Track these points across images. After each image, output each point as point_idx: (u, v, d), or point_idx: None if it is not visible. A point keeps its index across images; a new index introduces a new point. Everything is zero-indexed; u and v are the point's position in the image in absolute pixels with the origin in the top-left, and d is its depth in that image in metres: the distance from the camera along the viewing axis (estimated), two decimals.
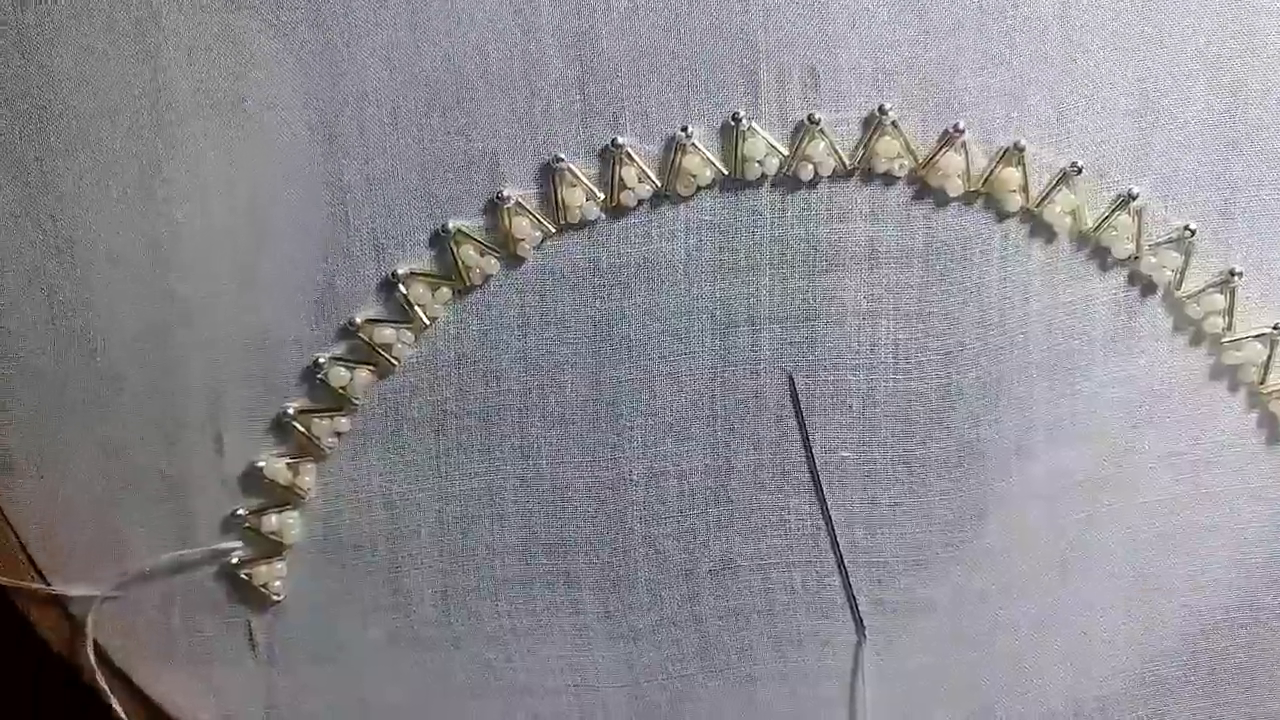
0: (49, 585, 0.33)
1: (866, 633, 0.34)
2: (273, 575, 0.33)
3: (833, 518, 0.33)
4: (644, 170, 0.31)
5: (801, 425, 0.32)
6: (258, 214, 0.31)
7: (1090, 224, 0.31)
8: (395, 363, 0.32)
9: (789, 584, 0.34)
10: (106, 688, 0.33)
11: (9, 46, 0.29)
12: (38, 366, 0.31)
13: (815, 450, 0.33)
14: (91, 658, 0.33)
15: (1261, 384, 0.33)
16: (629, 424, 0.32)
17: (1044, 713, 0.35)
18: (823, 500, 0.33)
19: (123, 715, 0.34)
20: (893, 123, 0.30)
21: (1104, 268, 0.32)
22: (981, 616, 0.34)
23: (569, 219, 0.31)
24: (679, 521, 0.33)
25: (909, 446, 0.33)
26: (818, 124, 0.30)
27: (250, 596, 0.33)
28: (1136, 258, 0.32)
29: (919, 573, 0.34)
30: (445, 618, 0.34)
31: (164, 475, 0.32)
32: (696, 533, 0.33)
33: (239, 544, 0.33)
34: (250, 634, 0.34)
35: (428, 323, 0.32)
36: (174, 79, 0.30)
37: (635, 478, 0.33)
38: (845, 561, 0.33)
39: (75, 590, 0.33)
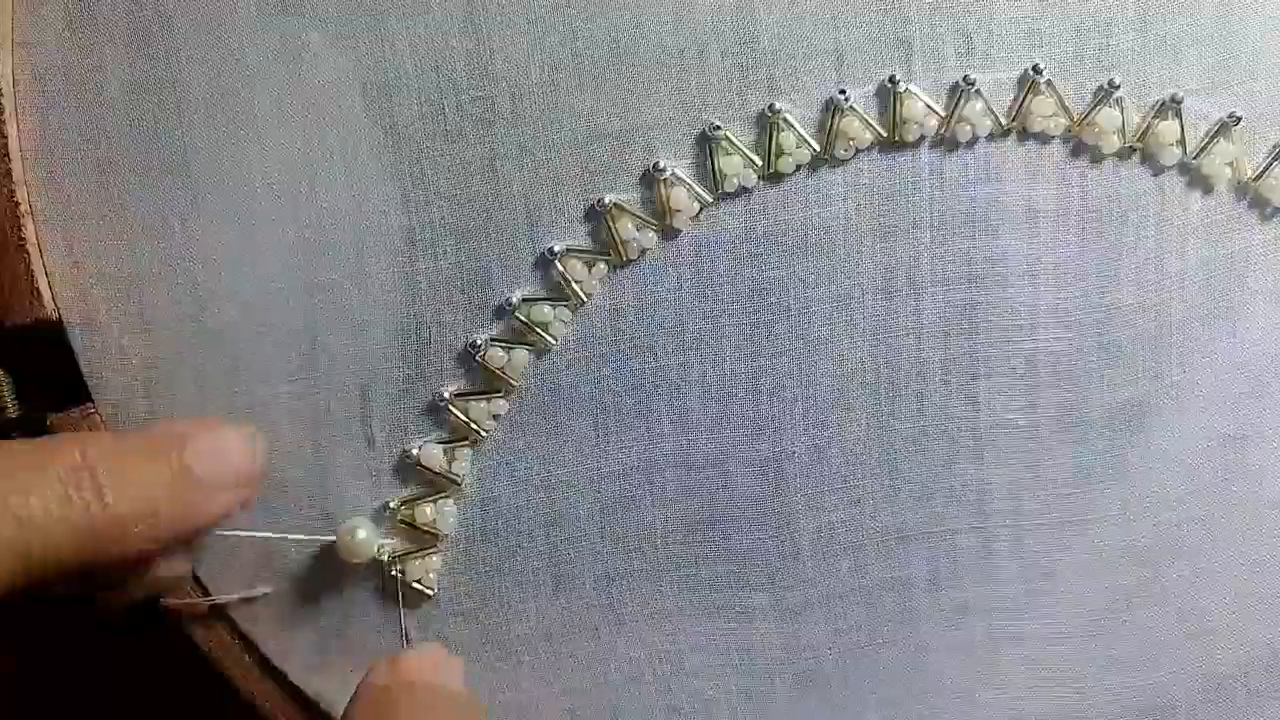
0: (211, 596, 0.33)
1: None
2: (427, 568, 0.33)
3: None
4: (802, 135, 0.31)
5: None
6: (407, 198, 0.31)
7: (1250, 174, 0.32)
8: (553, 341, 0.32)
9: (955, 550, 0.34)
10: (263, 693, 0.33)
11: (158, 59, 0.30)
12: (182, 370, 0.32)
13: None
14: (248, 661, 0.33)
15: None
16: (790, 395, 0.33)
17: (1213, 675, 0.35)
18: None
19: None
20: (1047, 81, 0.31)
21: (1263, 218, 0.33)
22: (1146, 575, 0.35)
23: (726, 188, 0.31)
24: (843, 493, 0.33)
25: (1071, 405, 0.33)
26: (973, 85, 0.31)
27: (404, 591, 0.33)
28: None
29: (1082, 533, 0.34)
30: (608, 601, 0.34)
31: (313, 470, 0.32)
32: (862, 503, 0.33)
33: (391, 539, 0.33)
34: (404, 630, 0.33)
35: (584, 299, 0.32)
36: (320, 59, 0.30)
37: (797, 450, 0.33)
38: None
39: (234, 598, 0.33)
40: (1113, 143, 0.32)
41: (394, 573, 0.33)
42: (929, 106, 0.31)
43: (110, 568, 0.28)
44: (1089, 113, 0.31)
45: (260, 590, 0.33)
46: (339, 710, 0.33)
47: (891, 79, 0.31)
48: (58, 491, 0.26)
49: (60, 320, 0.31)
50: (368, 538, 0.32)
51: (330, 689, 0.33)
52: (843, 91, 0.31)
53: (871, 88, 0.31)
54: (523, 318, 0.32)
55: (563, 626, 0.34)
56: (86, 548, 0.26)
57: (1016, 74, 0.31)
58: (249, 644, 0.33)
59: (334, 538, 0.32)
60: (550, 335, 0.32)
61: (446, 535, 0.33)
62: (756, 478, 0.33)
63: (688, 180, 0.31)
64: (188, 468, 0.28)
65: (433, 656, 0.31)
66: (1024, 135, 0.32)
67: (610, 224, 0.31)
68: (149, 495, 0.27)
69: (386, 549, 0.33)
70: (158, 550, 0.28)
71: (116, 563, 0.28)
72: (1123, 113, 0.31)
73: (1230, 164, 0.32)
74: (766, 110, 0.31)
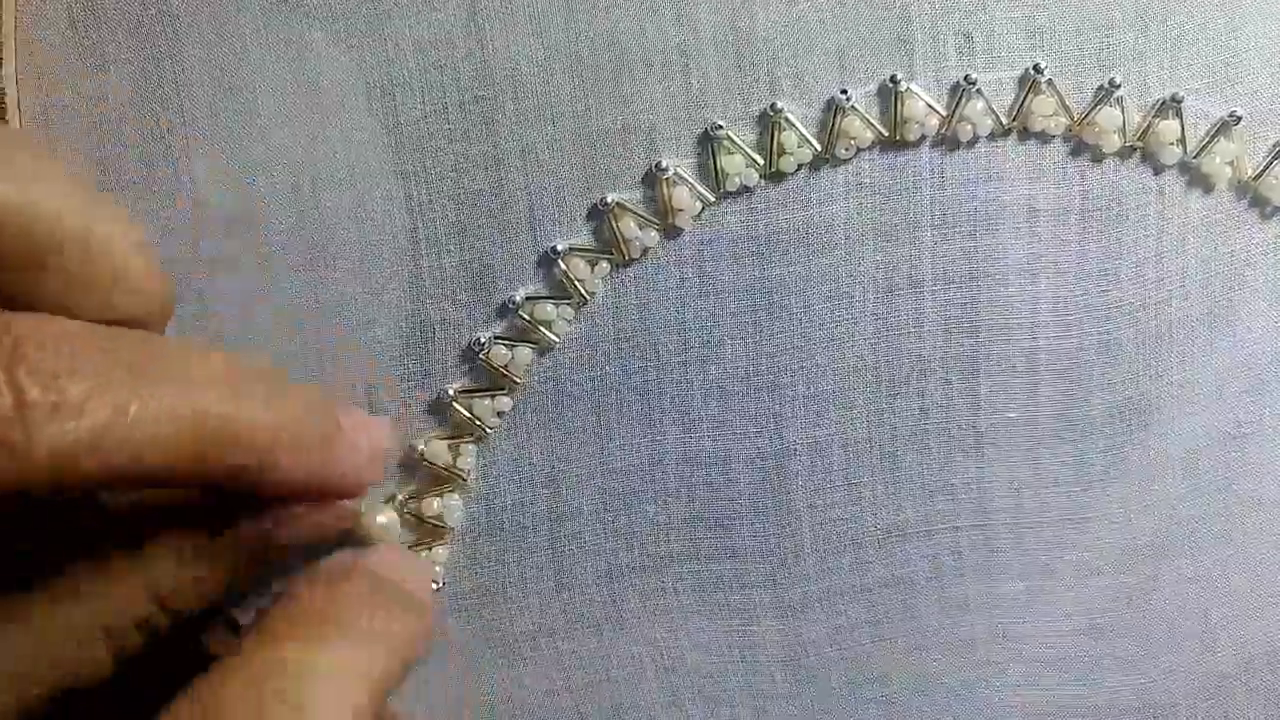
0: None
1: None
2: (433, 561, 0.33)
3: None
4: (803, 134, 0.31)
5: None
6: (410, 196, 0.31)
7: (1250, 173, 0.32)
8: (556, 339, 0.32)
9: (956, 548, 0.34)
10: None
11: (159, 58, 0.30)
12: None
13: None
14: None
15: None
16: (791, 393, 0.33)
17: (1213, 674, 0.35)
18: None
19: None
20: (1048, 81, 0.31)
21: (1264, 216, 0.33)
22: (1147, 573, 0.35)
23: (728, 187, 0.32)
24: (845, 490, 0.34)
25: (1072, 404, 0.33)
26: (974, 84, 0.31)
27: None
28: None
29: (1083, 531, 0.34)
30: (610, 597, 0.34)
31: None
32: (862, 501, 0.34)
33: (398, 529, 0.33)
34: None
35: (587, 298, 0.32)
36: (322, 58, 0.30)
37: (799, 447, 0.33)
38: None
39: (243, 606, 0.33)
40: (1113, 142, 0.32)
41: None
42: (930, 106, 0.31)
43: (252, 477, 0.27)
44: (1089, 112, 0.32)
45: (274, 591, 0.33)
46: None
47: (892, 78, 0.31)
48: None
49: None
50: (389, 522, 0.32)
51: None
52: (844, 91, 0.31)
53: (873, 87, 0.31)
54: (526, 316, 0.32)
55: (565, 623, 0.34)
56: (236, 447, 0.26)
57: (1017, 73, 0.31)
58: None
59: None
60: (553, 333, 0.32)
61: (452, 529, 0.33)
62: (758, 475, 0.34)
63: (690, 179, 0.32)
64: (336, 418, 0.28)
65: (392, 553, 0.31)
66: (1025, 134, 0.32)
67: (613, 223, 0.32)
68: (305, 419, 0.27)
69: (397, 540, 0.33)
70: (297, 484, 0.28)
71: (259, 475, 0.27)
72: (1123, 112, 0.32)
73: (1231, 163, 0.32)
74: (768, 110, 0.31)
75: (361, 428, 0.30)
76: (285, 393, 0.27)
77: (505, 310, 0.32)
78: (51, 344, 0.23)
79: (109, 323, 0.25)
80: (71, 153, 0.31)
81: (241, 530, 0.29)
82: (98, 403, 0.23)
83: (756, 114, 0.31)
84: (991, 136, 0.32)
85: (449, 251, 0.32)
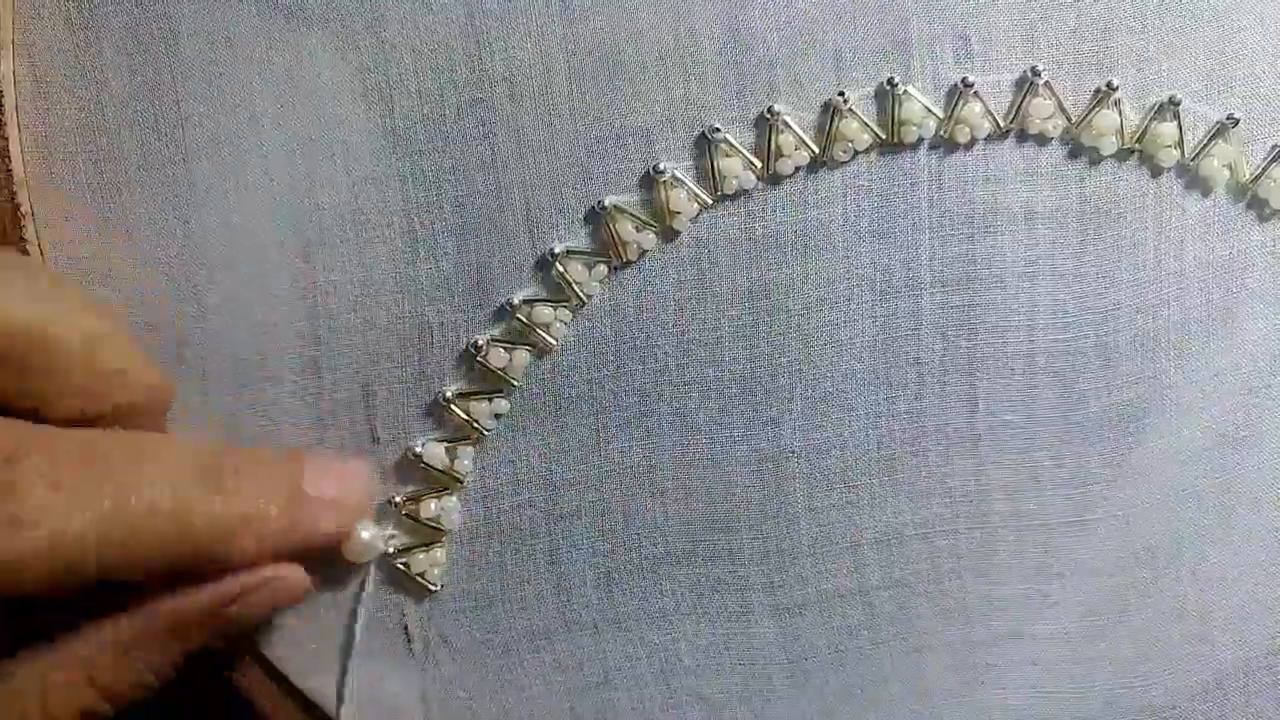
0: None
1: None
2: (431, 563, 0.33)
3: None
4: (801, 137, 0.31)
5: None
6: (408, 199, 0.31)
7: (1248, 175, 0.32)
8: (553, 342, 0.32)
9: (954, 550, 0.34)
10: (261, 691, 0.33)
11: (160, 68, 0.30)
12: (184, 371, 0.32)
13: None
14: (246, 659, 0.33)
15: None
16: (789, 395, 0.33)
17: (1213, 675, 0.35)
18: None
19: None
20: (1045, 83, 0.31)
21: (1262, 219, 0.33)
22: (1146, 575, 0.35)
23: (725, 189, 0.32)
24: (842, 492, 0.34)
25: (1069, 406, 0.33)
26: (971, 87, 0.31)
27: (407, 587, 0.33)
28: None
29: (1081, 535, 0.34)
30: (608, 599, 0.34)
31: None
32: (860, 503, 0.34)
33: (394, 532, 0.33)
34: (405, 627, 0.34)
35: (585, 300, 0.32)
36: (320, 61, 0.30)
37: (797, 449, 0.33)
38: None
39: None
40: (1111, 144, 0.32)
41: (398, 565, 0.33)
42: (927, 108, 0.31)
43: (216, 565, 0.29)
44: (1087, 114, 0.32)
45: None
46: (337, 709, 0.34)
47: (890, 81, 0.31)
48: (188, 475, 0.28)
49: None
50: (371, 538, 0.32)
51: (328, 688, 0.34)
52: (842, 93, 0.31)
53: (870, 89, 0.32)
54: (524, 318, 0.32)
55: (563, 625, 0.34)
56: (195, 545, 0.27)
57: (1015, 76, 0.32)
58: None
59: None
60: (551, 336, 0.32)
61: (450, 531, 0.33)
62: (755, 477, 0.34)
63: (687, 182, 0.32)
64: (299, 485, 0.30)
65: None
66: (1022, 137, 0.32)
67: (610, 225, 0.32)
68: (264, 499, 0.29)
69: (393, 541, 0.33)
70: (263, 558, 0.29)
71: (223, 562, 0.28)
72: (1121, 114, 0.32)
73: (1228, 166, 0.32)
74: (765, 112, 0.31)
75: (333, 478, 0.30)
76: (245, 474, 0.28)
77: (503, 313, 0.32)
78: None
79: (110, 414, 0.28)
80: (68, 156, 0.31)
81: (189, 613, 0.29)
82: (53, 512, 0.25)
83: (754, 116, 0.32)
84: (989, 139, 0.32)
85: (446, 254, 0.32)
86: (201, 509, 0.27)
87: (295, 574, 0.30)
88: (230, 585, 0.29)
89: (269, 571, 0.30)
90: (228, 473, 0.28)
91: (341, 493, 0.31)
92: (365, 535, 0.32)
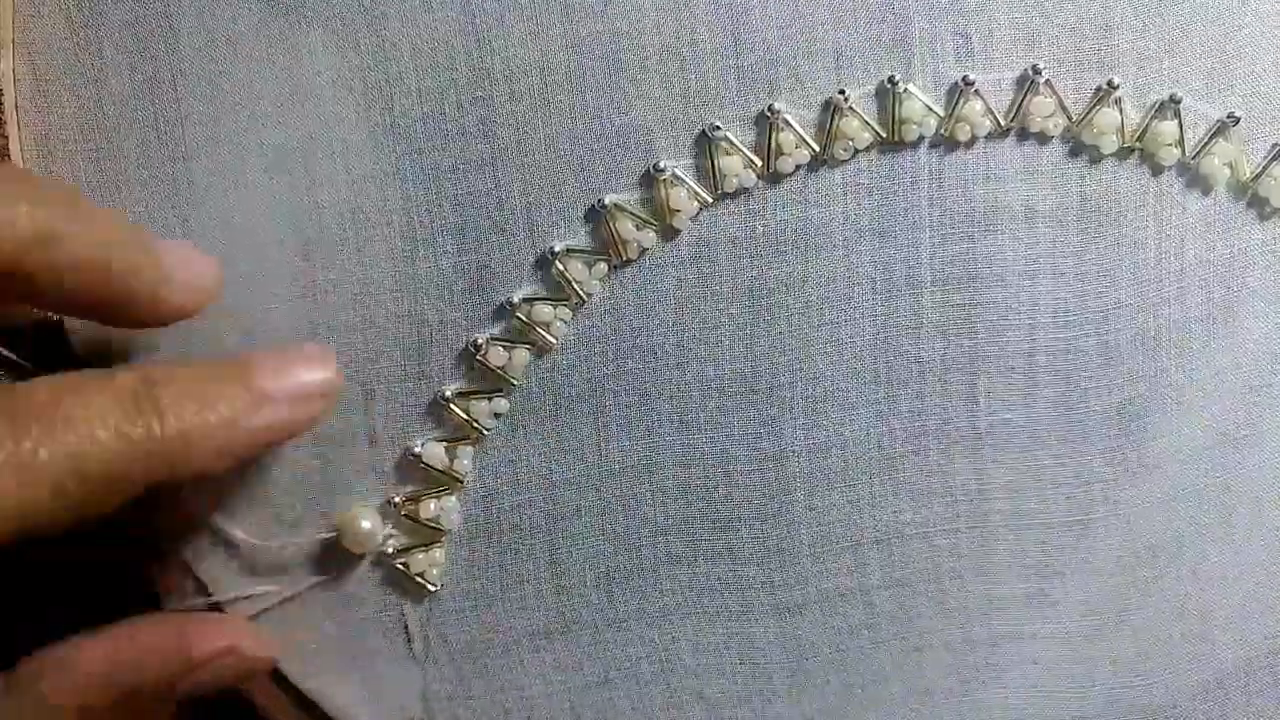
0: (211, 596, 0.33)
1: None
2: (430, 563, 0.33)
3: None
4: (801, 135, 0.31)
5: None
6: (407, 197, 0.31)
7: (1248, 174, 0.32)
8: (553, 341, 0.32)
9: (955, 550, 0.34)
10: (261, 691, 0.33)
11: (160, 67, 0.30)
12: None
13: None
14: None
15: None
16: (789, 394, 0.33)
17: (1213, 675, 0.35)
18: None
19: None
20: (1046, 82, 0.31)
21: (1262, 217, 0.33)
22: (1147, 574, 0.35)
23: (725, 188, 0.32)
24: (843, 491, 0.34)
25: (1071, 405, 0.33)
26: (972, 85, 0.31)
27: (406, 587, 0.33)
28: None
29: (1082, 534, 0.34)
30: (608, 600, 0.34)
31: (315, 467, 0.33)
32: (860, 502, 0.34)
33: (393, 531, 0.33)
34: (405, 627, 0.34)
35: (585, 299, 0.32)
36: (320, 60, 0.30)
37: (797, 448, 0.33)
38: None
39: (238, 598, 0.33)
40: (1112, 143, 0.32)
41: (397, 565, 0.33)
42: (928, 107, 0.32)
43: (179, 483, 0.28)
44: (1088, 113, 0.32)
45: (261, 589, 0.33)
46: (336, 709, 0.34)
47: (890, 79, 0.31)
48: (115, 410, 0.26)
49: (61, 321, 0.32)
50: (373, 528, 0.32)
51: (328, 687, 0.34)
52: (842, 92, 0.31)
53: (870, 88, 0.32)
54: (523, 317, 0.32)
55: (562, 624, 0.34)
56: (147, 466, 0.26)
57: (1015, 74, 0.32)
58: None
59: (335, 534, 0.33)
60: (551, 334, 0.32)
61: (450, 531, 0.33)
62: (756, 476, 0.34)
63: (687, 180, 0.32)
64: (257, 383, 0.28)
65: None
66: (1023, 135, 0.32)
67: (610, 224, 0.32)
68: (216, 410, 0.27)
69: (392, 541, 0.33)
70: (230, 466, 0.28)
71: (186, 479, 0.27)
72: (1121, 113, 0.32)
73: (1229, 164, 0.32)
74: (766, 110, 0.31)
75: (292, 365, 0.29)
76: (203, 393, 0.27)
77: (502, 311, 0.32)
78: None
79: None
80: (68, 156, 0.31)
81: (141, 689, 0.29)
82: None
83: (754, 115, 0.32)
84: (990, 137, 0.32)
85: (446, 253, 0.32)
86: (141, 438, 0.26)
87: (256, 645, 0.30)
88: (183, 662, 0.29)
89: (224, 643, 0.30)
90: (168, 395, 0.27)
91: (303, 380, 0.29)
92: (365, 525, 0.32)
